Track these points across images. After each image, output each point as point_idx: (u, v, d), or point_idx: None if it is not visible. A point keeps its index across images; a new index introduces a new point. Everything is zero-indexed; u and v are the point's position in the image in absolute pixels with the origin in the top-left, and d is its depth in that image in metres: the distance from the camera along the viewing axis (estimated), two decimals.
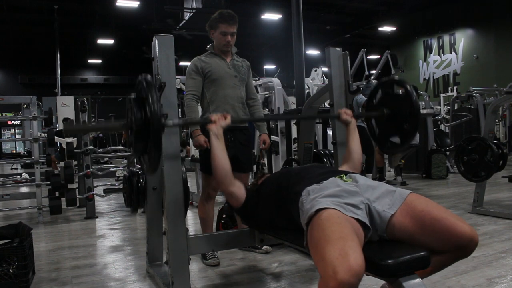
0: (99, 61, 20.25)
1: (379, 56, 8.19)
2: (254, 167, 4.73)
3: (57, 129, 9.43)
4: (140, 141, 1.67)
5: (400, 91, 2.11)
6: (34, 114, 4.40)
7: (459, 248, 1.46)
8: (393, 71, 6.99)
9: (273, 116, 5.20)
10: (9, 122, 17.49)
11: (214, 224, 2.98)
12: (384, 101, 2.19)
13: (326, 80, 4.45)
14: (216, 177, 1.87)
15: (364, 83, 6.14)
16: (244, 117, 2.77)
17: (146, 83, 1.71)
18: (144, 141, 1.66)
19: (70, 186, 4.44)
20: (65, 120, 5.24)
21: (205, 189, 2.79)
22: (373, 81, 6.15)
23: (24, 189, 6.27)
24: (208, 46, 2.81)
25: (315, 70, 7.54)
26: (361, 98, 5.51)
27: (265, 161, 5.29)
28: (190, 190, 2.52)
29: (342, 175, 1.68)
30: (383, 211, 1.52)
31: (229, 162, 1.88)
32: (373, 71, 6.92)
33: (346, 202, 1.47)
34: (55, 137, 5.18)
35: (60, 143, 6.02)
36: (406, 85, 2.07)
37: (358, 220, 1.43)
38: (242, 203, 1.89)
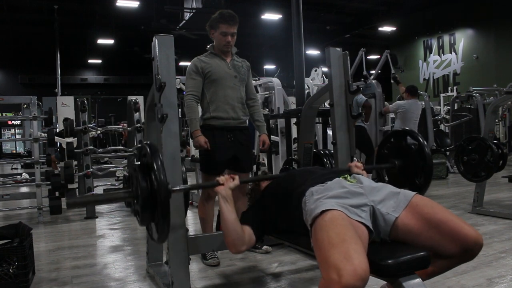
0: (99, 61, 20.24)
1: (379, 56, 8.17)
2: (254, 167, 4.72)
3: (57, 129, 9.43)
4: (147, 210, 1.60)
5: (412, 143, 2.06)
6: (34, 114, 4.40)
7: (464, 250, 1.45)
8: (392, 71, 6.96)
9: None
10: (9, 122, 17.45)
11: (214, 224, 2.97)
12: (396, 152, 2.14)
13: (326, 80, 4.44)
14: (227, 240, 1.73)
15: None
16: None
17: (150, 150, 1.63)
18: (151, 209, 1.60)
19: (70, 186, 4.44)
20: (65, 120, 5.23)
21: (205, 189, 2.79)
22: (373, 81, 6.15)
23: (24, 189, 6.26)
24: (208, 46, 2.81)
25: (315, 70, 7.52)
26: (361, 98, 5.50)
27: (265, 160, 5.28)
28: None
29: (346, 176, 1.68)
30: (387, 214, 1.51)
31: (239, 223, 1.74)
32: (373, 71, 6.90)
33: (351, 204, 1.47)
34: (55, 137, 5.18)
35: (60, 143, 6.02)
36: (419, 137, 2.04)
37: (362, 223, 1.43)
38: (255, 240, 1.81)
